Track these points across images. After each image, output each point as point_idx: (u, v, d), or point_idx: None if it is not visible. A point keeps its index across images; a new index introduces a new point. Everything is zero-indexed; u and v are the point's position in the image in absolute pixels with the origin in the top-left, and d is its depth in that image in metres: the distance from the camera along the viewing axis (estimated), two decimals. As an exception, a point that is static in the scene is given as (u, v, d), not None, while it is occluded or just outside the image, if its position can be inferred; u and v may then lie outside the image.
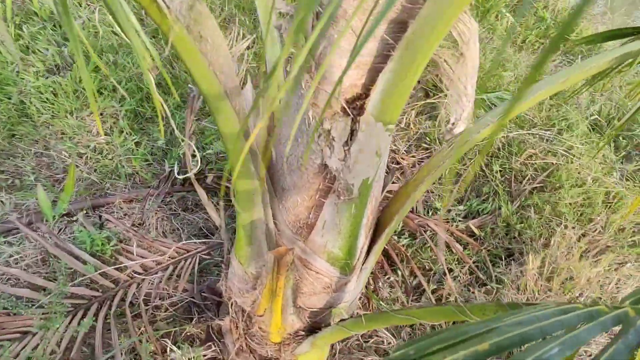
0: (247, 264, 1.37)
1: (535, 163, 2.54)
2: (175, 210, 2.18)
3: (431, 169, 1.32)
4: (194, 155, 1.91)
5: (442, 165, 1.28)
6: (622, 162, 2.78)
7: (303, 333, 1.42)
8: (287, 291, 1.32)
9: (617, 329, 0.74)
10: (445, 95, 1.05)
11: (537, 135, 2.79)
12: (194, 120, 2.37)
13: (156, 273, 1.67)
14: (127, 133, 2.57)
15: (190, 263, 1.69)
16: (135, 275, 1.67)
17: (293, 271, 1.29)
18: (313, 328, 1.43)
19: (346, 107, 1.05)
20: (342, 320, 1.35)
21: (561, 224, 2.21)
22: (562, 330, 0.75)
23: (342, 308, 1.44)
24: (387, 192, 2.29)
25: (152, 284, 1.66)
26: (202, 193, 1.37)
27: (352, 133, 1.09)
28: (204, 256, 1.75)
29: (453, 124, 1.04)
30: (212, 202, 2.07)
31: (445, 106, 1.02)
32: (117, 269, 1.68)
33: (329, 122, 1.08)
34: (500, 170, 2.53)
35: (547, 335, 0.74)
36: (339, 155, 1.12)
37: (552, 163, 2.52)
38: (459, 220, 2.29)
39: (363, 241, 1.35)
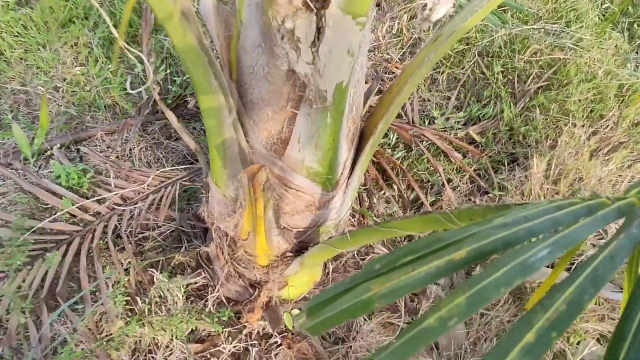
0: (225, 186, 1.31)
1: (541, 60, 2.40)
2: (158, 139, 2.11)
3: (415, 68, 1.21)
4: (161, 82, 1.81)
5: (427, 62, 1.17)
6: (637, 52, 2.61)
7: (291, 254, 1.39)
8: (268, 212, 1.27)
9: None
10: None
11: (543, 30, 2.61)
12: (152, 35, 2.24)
13: (136, 203, 1.63)
14: (102, 62, 2.45)
15: (170, 191, 1.64)
16: (115, 207, 1.63)
17: (271, 190, 1.23)
18: (301, 248, 1.39)
19: (309, 0, 0.94)
20: (329, 238, 1.30)
21: (569, 122, 2.11)
22: (556, 229, 0.68)
23: (330, 226, 1.40)
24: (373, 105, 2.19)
25: (134, 214, 1.63)
26: (170, 115, 1.29)
27: (319, 31, 0.99)
28: (185, 182, 1.70)
29: (430, 9, 0.92)
30: (189, 127, 1.99)
31: (421, -11, 0.90)
32: (96, 201, 1.64)
33: (291, 21, 0.97)
34: (502, 71, 2.40)
35: (536, 236, 0.67)
36: (306, 58, 1.02)
37: (560, 58, 2.38)
38: (458, 128, 2.20)
39: (345, 154, 1.28)
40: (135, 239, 1.65)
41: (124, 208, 1.60)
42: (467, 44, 2.52)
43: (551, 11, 2.74)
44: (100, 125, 2.17)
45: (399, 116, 2.23)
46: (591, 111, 2.20)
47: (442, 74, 2.46)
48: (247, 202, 1.27)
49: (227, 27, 1.27)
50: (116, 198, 1.63)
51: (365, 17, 0.97)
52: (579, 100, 2.19)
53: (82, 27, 2.50)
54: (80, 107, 2.26)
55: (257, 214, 1.27)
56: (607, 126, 2.11)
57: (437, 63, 2.47)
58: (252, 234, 1.35)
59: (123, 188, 1.65)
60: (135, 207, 1.61)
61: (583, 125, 2.10)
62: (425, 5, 0.92)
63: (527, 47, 2.46)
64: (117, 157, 1.98)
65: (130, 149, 2.03)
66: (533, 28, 2.56)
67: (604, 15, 2.88)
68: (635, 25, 2.76)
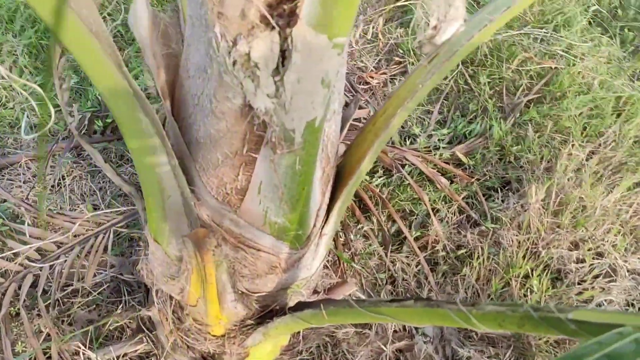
0: (166, 242, 1.06)
1: (531, 69, 2.23)
2: (95, 166, 1.83)
3: (405, 95, 0.99)
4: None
5: (421, 89, 0.95)
6: (629, 59, 2.48)
7: (251, 322, 1.15)
8: (221, 276, 1.04)
9: None
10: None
11: (531, 36, 2.45)
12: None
13: (58, 258, 1.36)
14: (29, 73, 2.15)
15: (102, 240, 1.38)
16: (31, 263, 1.36)
17: (224, 252, 1.00)
18: (264, 315, 1.16)
19: (268, 14, 0.71)
20: (298, 306, 1.07)
21: (566, 141, 1.94)
22: None
23: (300, 285, 1.17)
24: (353, 122, 1.97)
25: (55, 271, 1.36)
26: (93, 152, 1.04)
27: (284, 55, 0.76)
28: (122, 230, 1.44)
29: (435, 27, 0.71)
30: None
31: (421, 3, 0.68)
32: (4, 257, 1.36)
33: (246, 42, 0.74)
34: (488, 82, 2.22)
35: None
36: (267, 90, 0.79)
37: (551, 67, 2.21)
38: (443, 147, 2.00)
39: (319, 201, 1.06)
40: (62, 294, 1.38)
41: (42, 265, 1.33)
42: (449, 51, 2.32)
43: (538, 14, 2.58)
44: (25, 149, 1.88)
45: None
46: (587, 128, 2.03)
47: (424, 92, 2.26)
48: (193, 266, 1.03)
49: (166, 43, 1.02)
50: (32, 252, 1.35)
51: (344, 37, 0.74)
52: (575, 116, 2.02)
53: (6, 32, 2.19)
54: (0, 128, 1.96)
55: (208, 280, 1.03)
56: (607, 145, 1.95)
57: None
58: (202, 301, 1.11)
59: (41, 239, 1.38)
60: (56, 263, 1.34)
61: (581, 144, 1.93)
62: (428, 22, 0.70)
63: (514, 55, 2.29)
64: (43, 188, 1.70)
65: (61, 179, 1.75)
66: (520, 34, 2.39)
67: (593, 19, 2.75)
68: (626, 30, 2.63)
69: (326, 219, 1.11)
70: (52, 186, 1.75)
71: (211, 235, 0.94)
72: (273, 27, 0.73)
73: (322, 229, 1.11)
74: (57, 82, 0.99)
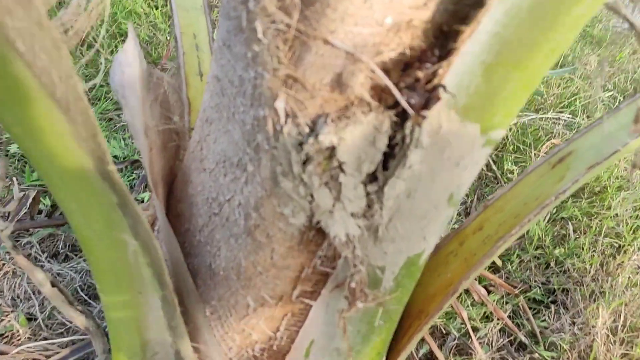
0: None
1: (561, 157, 2.00)
2: (37, 258, 1.45)
3: (519, 211, 0.70)
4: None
5: (548, 202, 0.66)
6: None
7: None
8: None
9: None
10: None
11: (550, 120, 2.26)
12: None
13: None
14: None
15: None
16: None
17: None
18: None
19: (393, 87, 0.41)
20: None
21: (616, 245, 1.68)
22: None
23: None
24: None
25: None
26: (29, 268, 0.70)
27: (390, 155, 0.46)
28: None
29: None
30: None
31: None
32: None
33: (334, 129, 0.44)
34: (516, 169, 1.98)
35: None
36: (353, 207, 0.49)
37: (584, 156, 1.99)
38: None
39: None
40: None
41: None
42: (468, 132, 2.10)
43: (555, 97, 2.41)
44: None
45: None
46: (638, 230, 1.80)
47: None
48: None
49: (165, 114, 0.71)
50: None
51: (504, 129, 0.45)
52: (622, 216, 1.79)
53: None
54: None
55: None
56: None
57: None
58: None
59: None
60: None
61: (634, 250, 1.68)
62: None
63: (540, 140, 2.08)
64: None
65: (-11, 275, 1.36)
66: (544, 118, 2.20)
67: (611, 104, 2.61)
68: (647, 118, 2.49)
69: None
70: (-24, 284, 1.35)
71: None
72: (385, 109, 0.43)
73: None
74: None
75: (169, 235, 0.64)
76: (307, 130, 0.44)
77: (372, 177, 0.48)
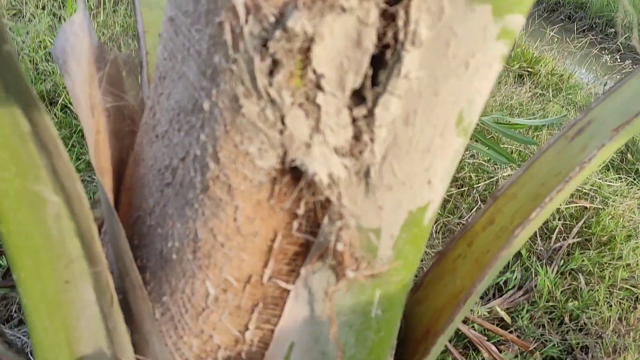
0: None
1: (562, 208, 1.92)
2: (-11, 322, 1.29)
3: (537, 191, 0.59)
4: None
5: (572, 177, 0.55)
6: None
7: None
8: None
9: None
10: None
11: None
12: None
13: None
14: None
15: None
16: None
17: None
18: None
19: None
20: None
21: (636, 297, 1.55)
22: None
23: None
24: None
25: None
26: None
27: (380, 61, 0.37)
28: None
29: None
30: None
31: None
32: None
33: (307, 16, 0.34)
34: (516, 222, 1.88)
35: None
36: (336, 137, 0.38)
37: (585, 208, 1.91)
38: (475, 303, 1.57)
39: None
40: None
41: None
42: (462, 186, 2.02)
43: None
44: None
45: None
46: (650, 279, 1.68)
47: (434, 223, 1.90)
48: None
49: (115, 92, 0.62)
50: None
51: (523, 15, 0.36)
52: (633, 266, 1.67)
53: None
54: None
55: None
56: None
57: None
58: None
59: None
60: None
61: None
62: None
63: (538, 192, 2.00)
64: None
65: None
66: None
67: (612, 162, 2.57)
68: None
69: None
70: None
71: None
72: (370, -13, 0.34)
73: None
74: None
75: (116, 230, 0.53)
76: (272, 20, 0.34)
77: (359, 99, 0.38)
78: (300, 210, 0.41)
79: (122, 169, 0.61)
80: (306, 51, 0.36)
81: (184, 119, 0.45)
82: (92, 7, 3.08)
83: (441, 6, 0.34)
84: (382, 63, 0.37)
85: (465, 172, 2.06)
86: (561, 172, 0.57)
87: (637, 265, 1.68)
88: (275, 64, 0.36)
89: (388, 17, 0.35)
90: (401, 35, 0.35)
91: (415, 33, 0.35)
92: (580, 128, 0.59)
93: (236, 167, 0.40)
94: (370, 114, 0.38)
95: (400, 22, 0.35)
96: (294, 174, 0.40)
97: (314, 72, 0.36)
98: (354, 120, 0.38)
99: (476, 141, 1.91)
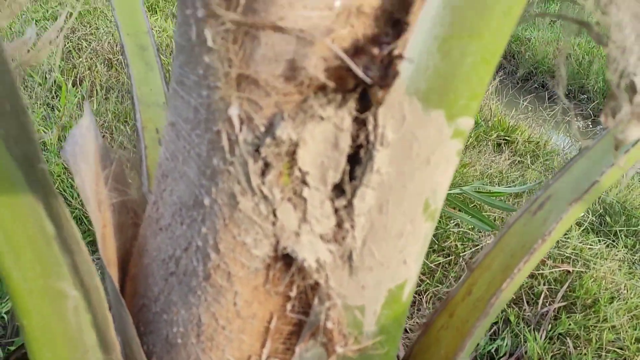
0: None
1: (547, 274, 1.96)
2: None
3: (508, 261, 0.65)
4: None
5: (541, 243, 0.61)
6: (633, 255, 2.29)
7: None
8: None
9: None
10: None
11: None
12: None
13: None
14: None
15: None
16: None
17: None
18: None
19: (350, 62, 0.39)
20: None
21: (624, 359, 1.57)
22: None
23: None
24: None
25: None
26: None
27: (355, 159, 0.43)
28: None
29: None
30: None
31: (610, 53, 0.39)
32: None
33: (292, 125, 0.41)
34: (503, 289, 1.91)
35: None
36: (321, 226, 0.44)
37: (568, 271, 1.96)
38: (469, 372, 1.58)
39: None
40: None
41: None
42: (449, 255, 2.06)
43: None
44: None
45: None
46: (638, 340, 1.70)
47: (424, 293, 1.92)
48: None
49: (120, 188, 0.67)
50: None
51: (472, 118, 0.43)
52: (620, 327, 1.70)
53: None
54: None
55: None
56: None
57: (418, 277, 1.96)
58: None
59: None
60: None
61: (643, 361, 1.57)
62: (634, 86, 0.40)
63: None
64: None
65: None
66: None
67: (581, 224, 2.64)
68: (622, 236, 2.51)
69: None
70: None
71: None
72: (344, 100, 0.41)
73: None
74: None
75: (124, 317, 0.56)
76: (262, 129, 0.41)
77: (339, 192, 0.44)
78: (293, 293, 0.46)
79: (126, 259, 0.66)
80: (292, 153, 0.42)
81: (186, 214, 0.50)
82: (85, 95, 3.20)
83: (403, 113, 0.41)
84: (357, 160, 0.43)
85: (451, 241, 2.11)
86: (526, 245, 0.62)
87: (622, 326, 1.71)
88: (267, 165, 0.42)
89: (360, 123, 0.42)
90: (371, 137, 0.41)
91: (383, 135, 0.41)
92: (541, 203, 0.66)
93: (235, 256, 0.45)
94: (349, 205, 0.43)
95: (370, 127, 0.41)
96: (286, 260, 0.45)
97: (300, 170, 0.42)
98: (336, 210, 0.44)
99: (459, 210, 1.98)
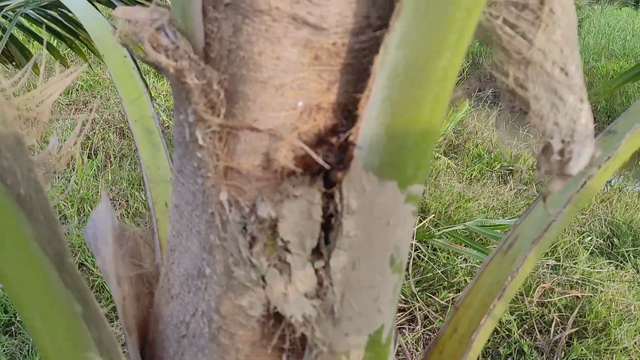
0: None
1: (557, 301, 1.99)
2: None
3: (485, 299, 0.71)
4: None
5: (512, 280, 0.68)
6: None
7: None
8: None
9: None
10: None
11: (547, 266, 2.30)
12: None
13: None
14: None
15: None
16: None
17: None
18: None
19: (311, 152, 0.48)
20: None
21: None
22: None
23: None
24: None
25: None
26: None
27: (328, 226, 0.51)
28: None
29: (561, 152, 0.48)
30: None
31: (531, 120, 0.47)
32: None
33: (271, 204, 0.49)
34: (514, 320, 1.94)
35: None
36: (304, 286, 0.51)
37: (578, 297, 1.99)
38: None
39: None
40: None
41: None
42: (458, 291, 2.10)
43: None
44: None
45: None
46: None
47: (437, 331, 1.96)
48: None
49: (136, 263, 0.75)
50: None
51: (422, 184, 0.51)
52: (633, 348, 1.72)
53: None
54: None
55: None
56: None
57: (425, 312, 2.00)
58: None
59: None
60: None
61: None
62: (550, 147, 0.47)
63: (531, 287, 2.08)
64: None
65: None
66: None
67: (587, 247, 2.67)
68: (632, 256, 2.53)
69: None
70: None
71: None
72: (312, 180, 0.49)
73: None
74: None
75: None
76: (247, 210, 0.49)
77: (317, 255, 0.52)
78: (286, 345, 0.53)
79: (144, 325, 0.73)
80: (274, 227, 0.50)
81: (191, 283, 0.58)
82: (100, 166, 3.33)
83: (363, 185, 0.49)
84: (330, 227, 0.51)
85: (460, 277, 2.16)
86: (500, 282, 0.69)
87: (633, 347, 1.73)
88: (253, 239, 0.50)
89: (329, 196, 0.50)
90: (339, 208, 0.49)
91: (348, 205, 0.49)
92: (510, 243, 0.72)
93: (234, 318, 0.53)
94: (327, 265, 0.51)
95: (337, 199, 0.49)
96: (277, 317, 0.52)
97: (282, 240, 0.50)
98: (316, 271, 0.51)
99: (465, 246, 2.03)
